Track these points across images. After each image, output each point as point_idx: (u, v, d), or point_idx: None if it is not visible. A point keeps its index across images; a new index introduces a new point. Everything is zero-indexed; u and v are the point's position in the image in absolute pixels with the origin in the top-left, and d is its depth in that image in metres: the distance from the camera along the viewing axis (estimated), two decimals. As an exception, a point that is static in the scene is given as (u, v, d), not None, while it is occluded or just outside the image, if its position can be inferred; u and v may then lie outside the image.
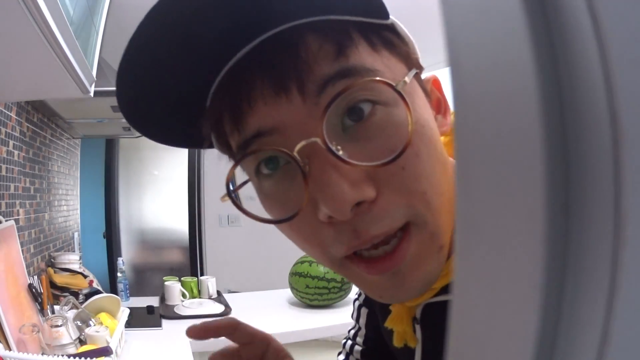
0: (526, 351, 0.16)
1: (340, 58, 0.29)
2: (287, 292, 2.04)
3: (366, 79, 0.28)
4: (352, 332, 0.61)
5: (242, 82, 0.29)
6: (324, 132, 0.27)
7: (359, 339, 0.59)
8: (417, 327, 0.39)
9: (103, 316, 1.40)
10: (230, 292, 2.58)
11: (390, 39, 0.33)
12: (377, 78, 0.28)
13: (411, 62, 0.34)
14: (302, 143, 0.28)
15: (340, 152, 0.28)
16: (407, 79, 0.29)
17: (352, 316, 0.61)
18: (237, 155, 0.32)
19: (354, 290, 1.95)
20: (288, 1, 0.28)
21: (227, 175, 0.33)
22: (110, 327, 1.32)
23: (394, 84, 0.28)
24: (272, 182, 0.33)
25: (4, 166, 1.48)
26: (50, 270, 1.86)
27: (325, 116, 0.27)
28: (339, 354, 0.64)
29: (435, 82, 0.38)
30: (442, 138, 0.34)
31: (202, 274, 3.87)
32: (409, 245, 0.30)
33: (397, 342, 0.42)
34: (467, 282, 0.18)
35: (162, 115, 0.33)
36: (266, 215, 0.37)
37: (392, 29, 0.33)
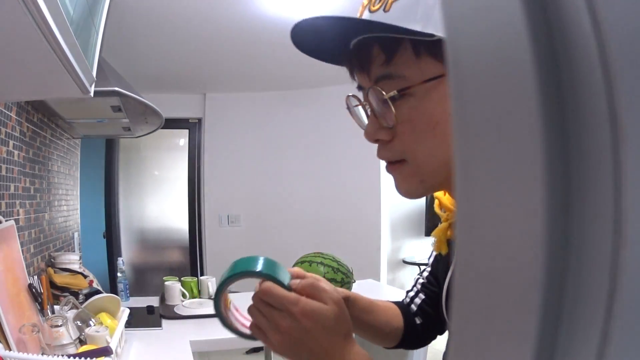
0: (526, 351, 0.16)
1: (387, 64, 0.48)
2: (287, 292, 2.04)
3: (378, 86, 0.49)
4: (424, 270, 0.85)
5: (353, 59, 0.52)
6: (370, 100, 0.51)
7: (425, 274, 0.83)
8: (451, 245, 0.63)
9: (103, 316, 1.40)
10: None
11: (433, 48, 0.45)
12: (381, 91, 0.49)
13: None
14: (363, 101, 0.53)
15: (371, 112, 0.52)
16: (424, 82, 0.47)
17: (427, 259, 0.85)
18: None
19: (354, 290, 1.95)
20: (372, 23, 0.48)
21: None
22: (110, 327, 1.32)
23: (385, 95, 0.48)
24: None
25: (4, 166, 1.48)
26: (50, 270, 1.86)
27: (369, 94, 0.51)
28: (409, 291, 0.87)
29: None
30: None
31: (202, 274, 3.87)
32: (393, 169, 0.53)
33: (436, 249, 0.65)
34: (468, 282, 0.18)
35: (321, 54, 0.56)
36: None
37: (439, 40, 0.44)
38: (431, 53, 0.45)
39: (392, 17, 0.46)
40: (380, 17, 0.47)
